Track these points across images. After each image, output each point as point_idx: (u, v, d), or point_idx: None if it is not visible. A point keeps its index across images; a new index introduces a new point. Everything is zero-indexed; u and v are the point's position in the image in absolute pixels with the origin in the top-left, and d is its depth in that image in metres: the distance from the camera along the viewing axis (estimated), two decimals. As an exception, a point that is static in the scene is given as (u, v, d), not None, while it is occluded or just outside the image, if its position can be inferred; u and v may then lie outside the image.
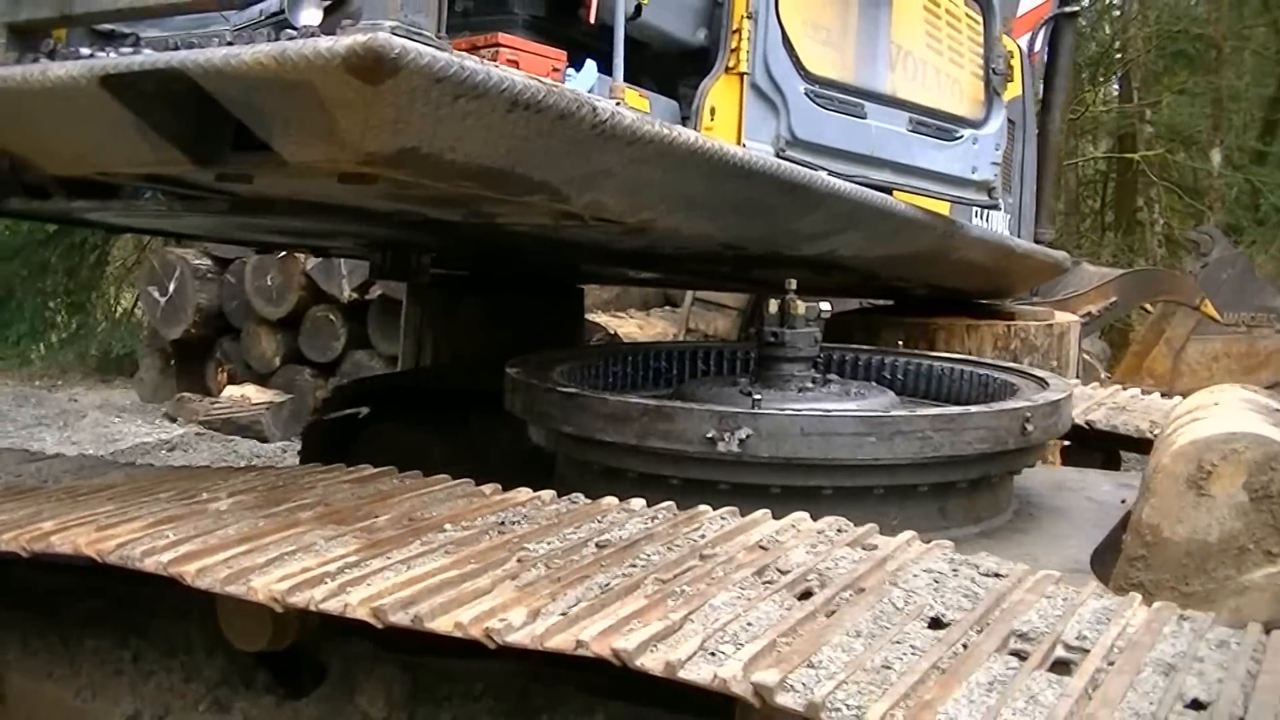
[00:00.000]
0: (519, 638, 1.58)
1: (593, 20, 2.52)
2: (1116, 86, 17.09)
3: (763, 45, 2.90)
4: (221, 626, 2.06)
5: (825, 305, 3.25)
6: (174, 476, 2.64)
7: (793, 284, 3.18)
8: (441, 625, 1.63)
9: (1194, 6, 15.76)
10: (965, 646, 1.57)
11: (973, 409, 2.76)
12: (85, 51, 2.14)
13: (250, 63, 1.82)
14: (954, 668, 1.50)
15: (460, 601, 1.69)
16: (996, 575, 1.87)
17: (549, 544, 1.97)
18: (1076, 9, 5.67)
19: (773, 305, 3.16)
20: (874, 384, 3.45)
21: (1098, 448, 4.14)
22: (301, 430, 5.14)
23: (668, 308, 9.15)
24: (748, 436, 2.55)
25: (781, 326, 3.10)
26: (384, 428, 4.34)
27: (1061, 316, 4.94)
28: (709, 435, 2.56)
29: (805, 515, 2.18)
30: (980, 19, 3.64)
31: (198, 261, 9.00)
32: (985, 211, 4.20)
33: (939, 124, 3.46)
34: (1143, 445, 3.86)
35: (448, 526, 2.07)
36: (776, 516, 2.18)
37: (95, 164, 2.29)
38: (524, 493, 2.34)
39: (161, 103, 2.06)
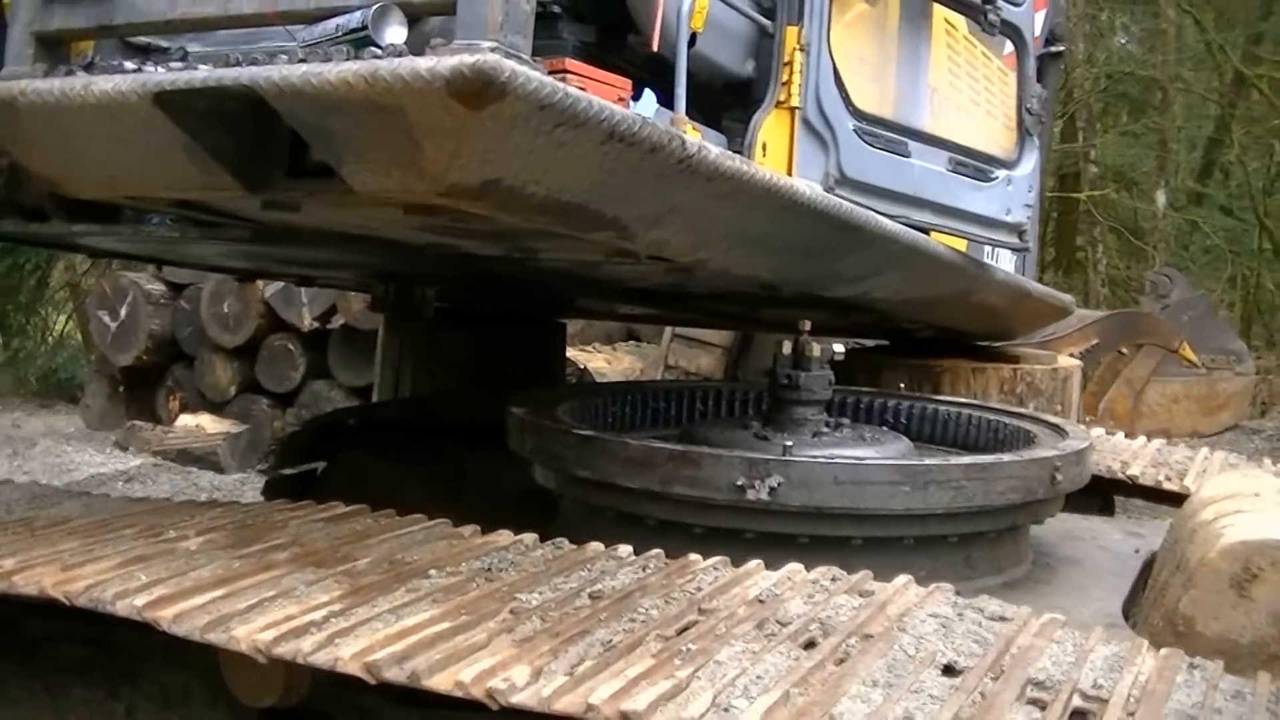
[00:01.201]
0: (524, 699, 1.53)
1: (654, 49, 2.39)
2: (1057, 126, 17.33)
3: (815, 79, 2.81)
4: (225, 679, 1.95)
5: (838, 347, 3.22)
6: (135, 511, 2.55)
7: (807, 325, 3.10)
8: (440, 683, 1.57)
9: (1140, 50, 16.07)
10: (984, 695, 1.55)
11: (1005, 457, 2.72)
12: (130, 66, 1.96)
13: (335, 82, 1.68)
14: (977, 718, 1.49)
15: (456, 657, 1.63)
16: (1002, 619, 1.87)
17: (541, 594, 1.93)
18: (1060, 49, 5.67)
19: (786, 346, 3.08)
20: (884, 429, 3.38)
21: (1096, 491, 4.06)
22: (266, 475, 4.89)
23: (632, 342, 9.02)
24: (779, 485, 2.48)
25: (795, 369, 3.03)
26: (353, 462, 4.15)
27: (1064, 360, 4.88)
28: (738, 483, 2.48)
29: (799, 566, 2.12)
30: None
31: (150, 286, 8.68)
32: (995, 252, 4.13)
33: (976, 164, 3.38)
34: (1145, 491, 3.85)
35: (432, 572, 2.02)
36: (807, 568, 2.12)
37: (130, 188, 2.12)
38: (505, 535, 2.28)
39: (215, 123, 1.92)
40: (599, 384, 4.91)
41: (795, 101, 2.78)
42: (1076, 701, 1.57)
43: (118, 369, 8.88)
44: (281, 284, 7.98)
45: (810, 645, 1.71)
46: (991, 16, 3.17)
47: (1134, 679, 1.66)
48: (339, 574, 1.99)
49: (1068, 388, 4.76)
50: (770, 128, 2.75)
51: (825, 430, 3.01)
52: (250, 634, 1.70)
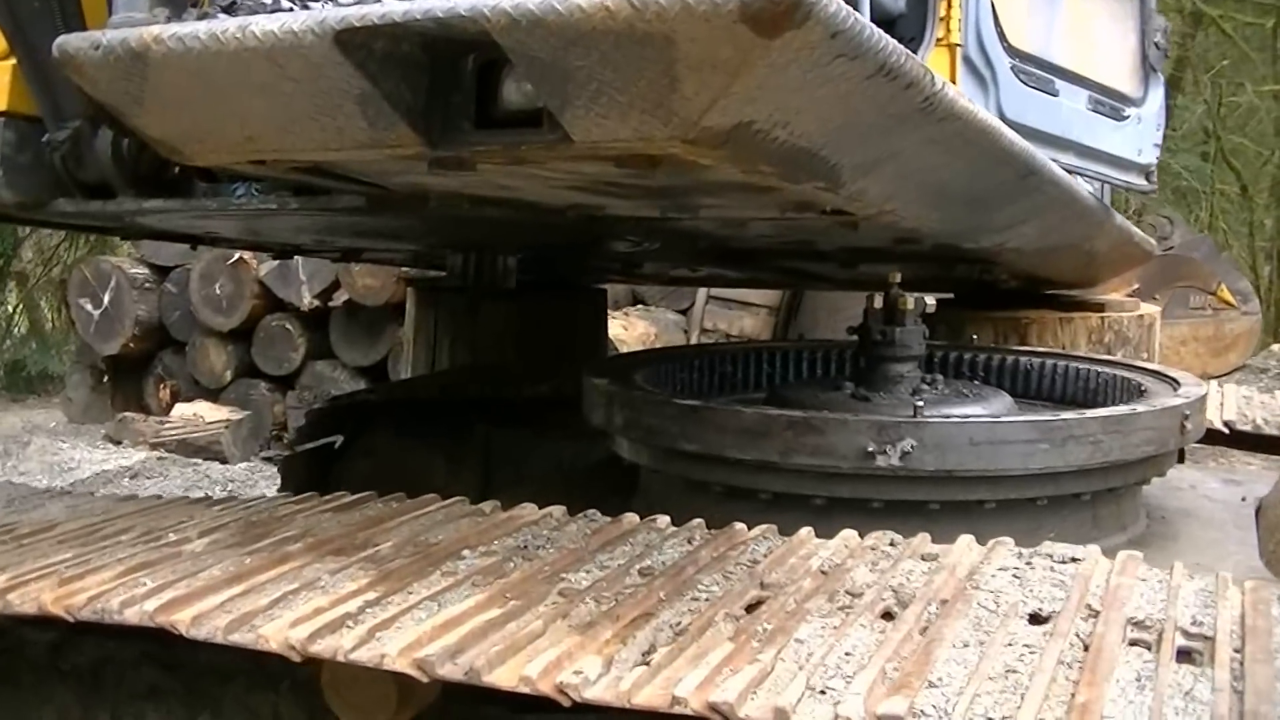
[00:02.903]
0: (600, 694, 1.40)
1: None
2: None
3: (974, 13, 2.55)
4: (328, 699, 1.73)
5: (930, 300, 2.96)
6: (128, 512, 2.34)
7: (897, 278, 2.93)
8: (503, 679, 1.43)
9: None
10: (1080, 638, 1.50)
11: (1139, 408, 2.56)
12: (286, 4, 1.65)
13: (589, 9, 1.38)
14: (1089, 664, 1.42)
15: (515, 648, 1.49)
16: (1074, 560, 1.81)
17: (589, 572, 1.80)
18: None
19: (877, 300, 2.90)
20: (978, 384, 3.19)
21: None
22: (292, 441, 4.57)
23: (640, 306, 8.74)
24: (912, 448, 2.31)
25: (889, 324, 2.86)
26: (376, 442, 3.91)
27: (1147, 306, 4.68)
28: (868, 449, 2.30)
29: (852, 532, 2.00)
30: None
31: (134, 270, 8.27)
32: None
33: (1111, 102, 3.13)
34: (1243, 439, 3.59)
35: (465, 553, 1.88)
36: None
37: (271, 148, 1.82)
38: (531, 509, 2.14)
39: (392, 68, 1.62)
40: (656, 351, 4.63)
41: (955, 38, 2.53)
42: (1181, 641, 1.51)
43: (101, 358, 8.46)
44: (277, 262, 7.64)
45: (888, 616, 1.61)
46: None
47: (1230, 614, 1.59)
48: (362, 560, 1.82)
49: (1151, 334, 4.59)
50: (931, 67, 2.47)
51: (925, 387, 2.85)
52: (279, 631, 1.54)
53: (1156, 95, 3.37)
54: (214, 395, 8.03)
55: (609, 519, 2.10)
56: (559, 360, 4.24)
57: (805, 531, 2.00)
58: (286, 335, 7.82)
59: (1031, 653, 1.45)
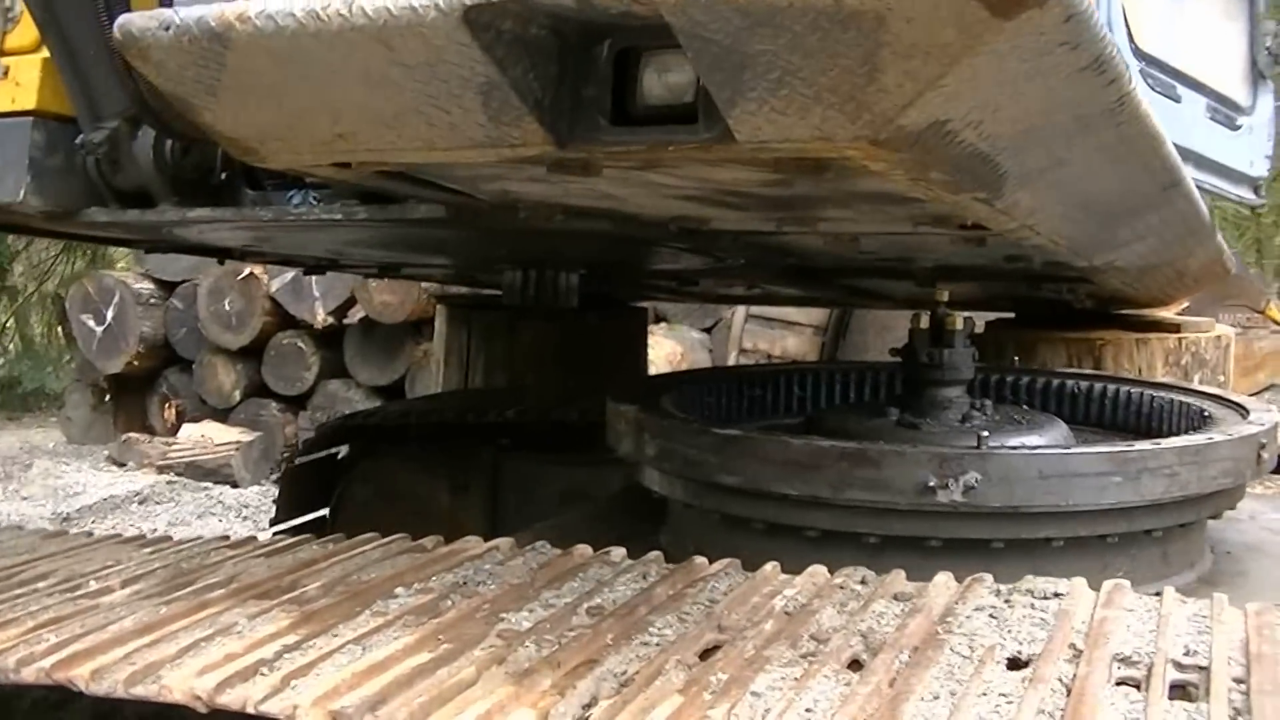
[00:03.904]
0: None
1: None
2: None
3: (1105, 15, 2.32)
4: None
5: (976, 319, 2.88)
6: (52, 553, 2.15)
7: (945, 295, 2.77)
8: None
9: None
10: (1062, 682, 1.38)
11: (1216, 437, 2.37)
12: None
13: (796, -19, 1.15)
14: (1069, 711, 1.30)
15: (443, 698, 1.36)
16: (1056, 595, 1.70)
17: (531, 611, 1.67)
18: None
19: (923, 320, 2.71)
20: (1029, 409, 2.98)
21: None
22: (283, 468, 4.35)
23: (663, 325, 8.50)
24: (976, 482, 2.13)
25: (937, 345, 2.67)
26: (379, 468, 3.74)
27: (1221, 327, 4.46)
28: (928, 483, 2.12)
29: (821, 569, 1.85)
30: (1241, -11, 3.11)
31: (139, 285, 8.00)
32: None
33: (1226, 110, 2.91)
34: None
35: (398, 590, 1.75)
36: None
37: (364, 148, 1.59)
38: (475, 543, 2.02)
39: (522, 54, 1.39)
40: (681, 373, 4.42)
41: (1088, 40, 2.28)
42: (1174, 675, 1.40)
43: (103, 376, 8.18)
44: (290, 277, 7.40)
45: (856, 664, 1.50)
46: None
47: (1228, 641, 1.50)
48: (286, 603, 1.69)
49: (1227, 356, 4.38)
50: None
51: (975, 413, 2.65)
52: (185, 680, 1.41)
53: (1266, 103, 3.15)
54: (222, 416, 7.77)
55: (558, 551, 1.95)
56: (602, 380, 4.02)
57: (770, 567, 1.85)
58: (299, 353, 7.56)
59: (1008, 702, 1.35)
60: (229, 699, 1.38)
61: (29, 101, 2.38)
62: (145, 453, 7.30)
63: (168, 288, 8.06)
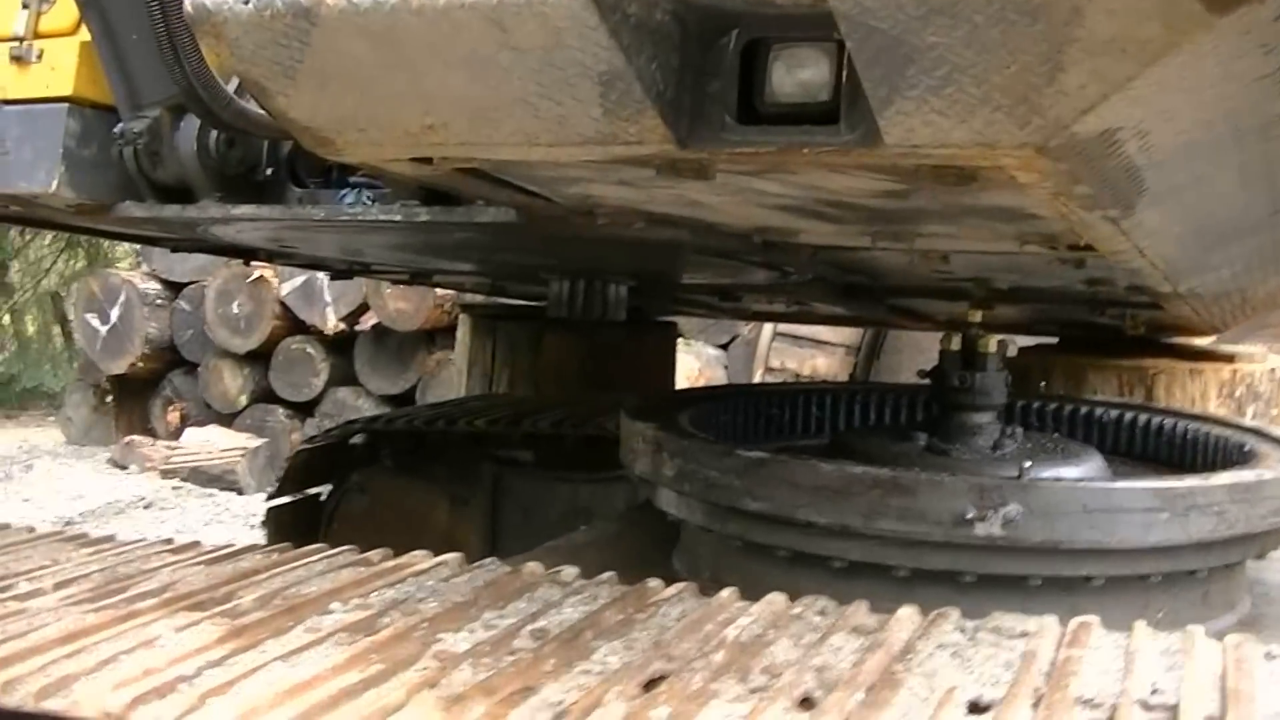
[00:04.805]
0: None
1: None
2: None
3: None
4: None
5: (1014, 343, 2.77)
6: None
7: (978, 316, 2.64)
8: None
9: None
10: None
11: (1266, 474, 2.24)
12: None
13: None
14: None
15: None
16: (1024, 635, 1.62)
17: (471, 632, 1.59)
18: None
19: (954, 342, 2.58)
20: (1062, 437, 2.85)
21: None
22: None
23: (679, 341, 8.37)
24: (1017, 515, 2.01)
25: (968, 368, 2.54)
26: (375, 480, 3.57)
27: (1274, 358, 4.34)
28: (966, 515, 2.00)
29: (780, 597, 1.74)
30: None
31: (145, 286, 7.84)
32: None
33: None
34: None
35: (334, 606, 1.67)
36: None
37: (463, 139, 1.44)
38: (422, 557, 1.93)
39: (647, 41, 1.26)
40: (696, 390, 4.30)
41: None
42: (1138, 716, 1.33)
43: (106, 377, 8.02)
44: (301, 281, 7.25)
45: (807, 703, 1.40)
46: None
47: (1202, 677, 1.43)
48: (218, 615, 1.61)
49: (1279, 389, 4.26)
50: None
51: (1007, 440, 2.53)
52: (97, 696, 1.32)
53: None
54: (227, 421, 7.60)
55: (508, 569, 1.85)
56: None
57: (728, 593, 1.75)
58: (308, 359, 7.41)
59: None
60: (140, 717, 1.31)
61: (64, 88, 2.24)
62: (147, 456, 7.13)
63: (174, 289, 7.91)
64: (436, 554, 1.98)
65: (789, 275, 2.67)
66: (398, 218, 2.07)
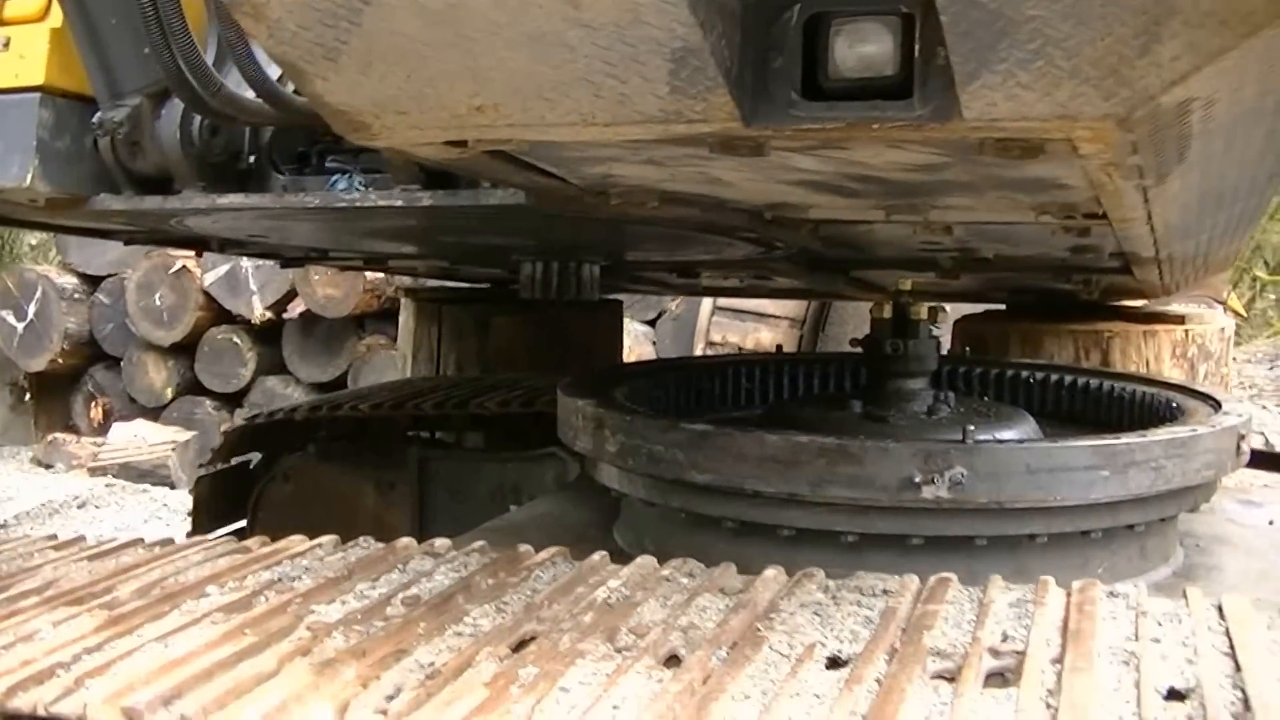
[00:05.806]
0: None
1: None
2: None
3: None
4: None
5: (945, 308, 2.80)
6: None
7: (907, 284, 2.74)
8: None
9: None
10: (879, 683, 1.35)
11: (1200, 430, 2.32)
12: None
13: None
14: (876, 711, 1.26)
15: (238, 691, 1.33)
16: (885, 592, 1.67)
17: (343, 604, 1.63)
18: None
19: (886, 310, 2.64)
20: (992, 401, 2.96)
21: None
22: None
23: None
24: (963, 477, 2.05)
25: (902, 336, 2.61)
26: (299, 468, 3.52)
27: (1222, 318, 4.46)
28: (913, 478, 2.04)
29: (650, 560, 1.80)
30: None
31: (62, 280, 7.56)
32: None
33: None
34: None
35: (210, 590, 1.72)
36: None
37: (514, 120, 1.40)
38: (298, 541, 1.97)
39: (718, 15, 1.23)
40: (626, 365, 4.29)
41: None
42: (989, 662, 1.38)
43: (24, 375, 7.73)
44: (225, 270, 7.05)
45: (673, 660, 1.45)
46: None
47: (1049, 621, 1.50)
48: (96, 608, 1.65)
49: (1229, 348, 4.39)
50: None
51: (941, 405, 2.60)
52: None
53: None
54: (154, 414, 7.38)
55: (381, 545, 1.88)
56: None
57: (599, 557, 1.81)
58: (234, 349, 7.22)
59: (820, 703, 1.32)
60: (20, 703, 1.35)
61: (35, 77, 2.13)
62: (74, 454, 6.90)
63: (92, 282, 7.65)
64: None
65: (774, 251, 2.66)
66: (398, 203, 2.01)
